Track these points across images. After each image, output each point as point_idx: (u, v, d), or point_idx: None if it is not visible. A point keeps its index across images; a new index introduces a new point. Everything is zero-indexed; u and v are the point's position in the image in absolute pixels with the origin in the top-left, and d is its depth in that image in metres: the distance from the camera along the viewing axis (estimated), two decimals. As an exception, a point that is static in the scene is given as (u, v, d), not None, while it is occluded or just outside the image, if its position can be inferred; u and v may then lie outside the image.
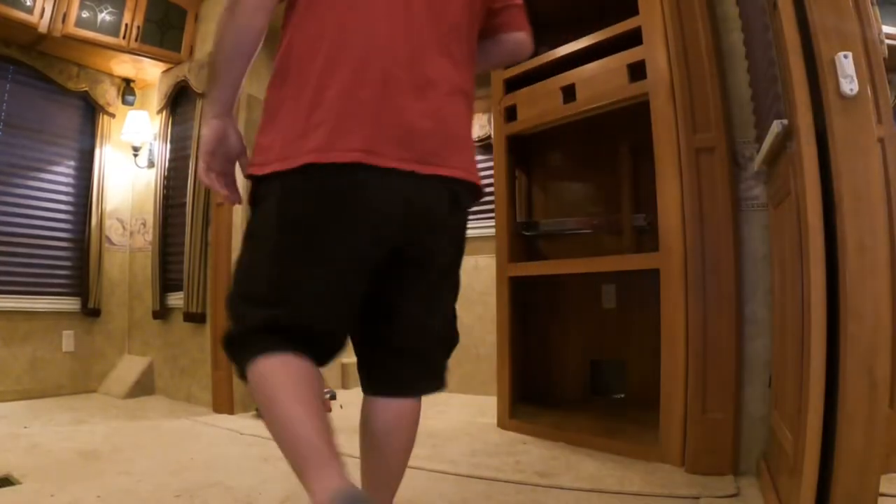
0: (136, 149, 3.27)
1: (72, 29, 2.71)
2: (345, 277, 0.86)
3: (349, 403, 2.71)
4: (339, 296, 0.87)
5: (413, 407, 0.99)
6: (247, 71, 0.96)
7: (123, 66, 3.11)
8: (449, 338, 1.02)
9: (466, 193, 0.94)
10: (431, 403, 2.66)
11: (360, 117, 0.82)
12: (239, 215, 2.65)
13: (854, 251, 1.00)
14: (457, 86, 0.93)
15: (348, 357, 2.75)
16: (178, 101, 3.07)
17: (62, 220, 3.02)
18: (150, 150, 3.24)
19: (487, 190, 2.78)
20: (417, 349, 0.96)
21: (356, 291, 0.89)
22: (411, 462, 1.75)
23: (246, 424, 2.31)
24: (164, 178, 3.04)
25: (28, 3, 2.58)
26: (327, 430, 0.85)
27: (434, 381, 1.01)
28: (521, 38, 1.09)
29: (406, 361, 0.97)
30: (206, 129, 0.97)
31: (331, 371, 3.10)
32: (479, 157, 3.01)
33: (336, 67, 0.84)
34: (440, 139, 0.88)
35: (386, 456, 1.00)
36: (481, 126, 2.85)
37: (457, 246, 0.98)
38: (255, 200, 0.93)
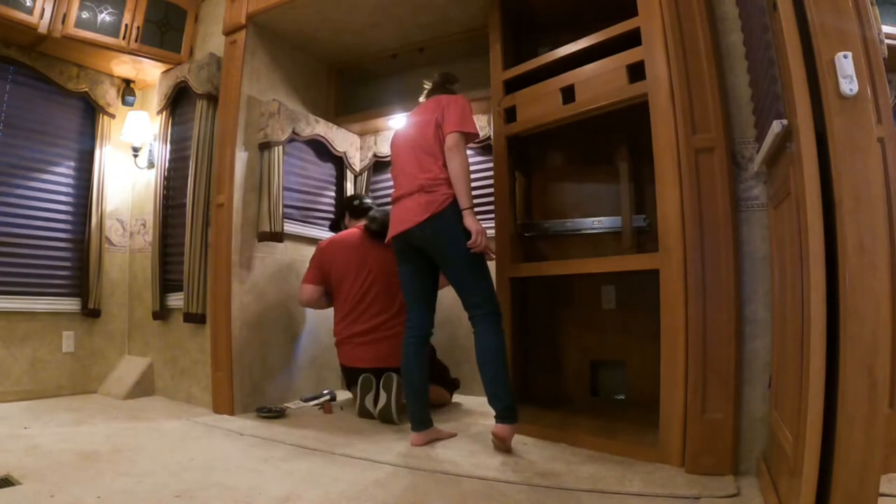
0: (136, 149, 3.27)
1: (72, 30, 2.71)
2: None
3: (347, 406, 2.71)
4: None
5: None
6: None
7: (123, 66, 3.11)
8: None
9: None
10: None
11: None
12: (238, 217, 2.65)
13: (854, 251, 1.00)
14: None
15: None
16: (178, 101, 3.07)
17: (62, 220, 3.02)
18: (150, 151, 3.24)
19: (486, 191, 2.79)
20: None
21: None
22: (412, 462, 1.75)
23: (246, 425, 2.31)
24: (164, 178, 3.04)
25: (28, 4, 2.58)
26: None
27: None
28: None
29: None
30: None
31: (332, 372, 3.10)
32: (478, 159, 3.02)
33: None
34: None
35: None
36: (481, 127, 2.85)
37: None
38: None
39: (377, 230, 2.59)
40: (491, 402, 1.91)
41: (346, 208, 2.90)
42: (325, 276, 2.69)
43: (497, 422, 1.89)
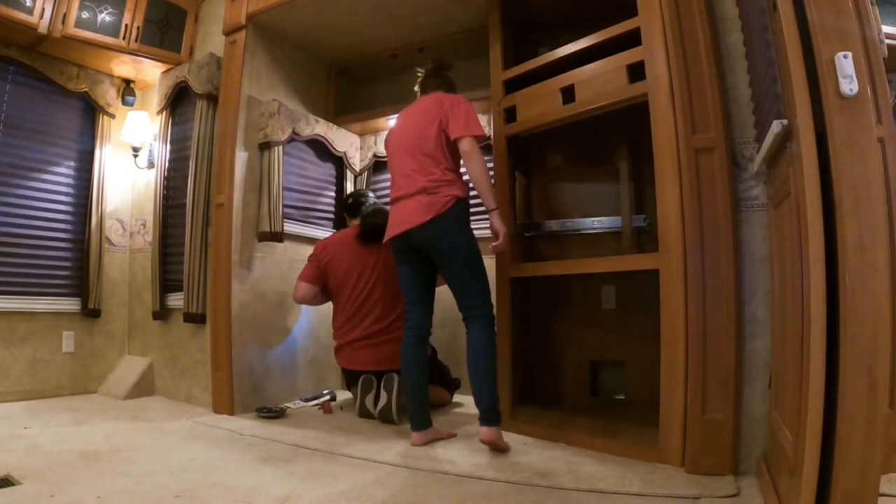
0: (136, 149, 3.27)
1: (72, 30, 2.71)
2: None
3: (347, 406, 2.71)
4: None
5: None
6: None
7: (123, 66, 3.11)
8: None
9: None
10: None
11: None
12: (238, 217, 2.65)
13: (854, 251, 1.00)
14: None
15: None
16: (178, 101, 3.07)
17: (62, 220, 3.02)
18: (150, 151, 3.24)
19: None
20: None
21: None
22: (411, 462, 1.75)
23: (246, 425, 2.31)
24: (164, 178, 3.04)
25: (28, 4, 2.58)
26: None
27: None
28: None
29: None
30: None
31: (332, 372, 3.10)
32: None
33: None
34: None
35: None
36: (482, 127, 2.85)
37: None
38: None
39: (368, 233, 2.58)
40: (476, 403, 1.91)
41: (343, 209, 2.92)
42: (323, 276, 2.66)
43: (481, 425, 1.87)
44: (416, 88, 2.23)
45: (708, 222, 1.66)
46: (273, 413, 2.46)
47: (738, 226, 1.67)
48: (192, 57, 3.06)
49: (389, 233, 2.08)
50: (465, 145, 1.96)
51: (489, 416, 1.87)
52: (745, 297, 1.66)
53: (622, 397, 2.44)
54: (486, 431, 1.85)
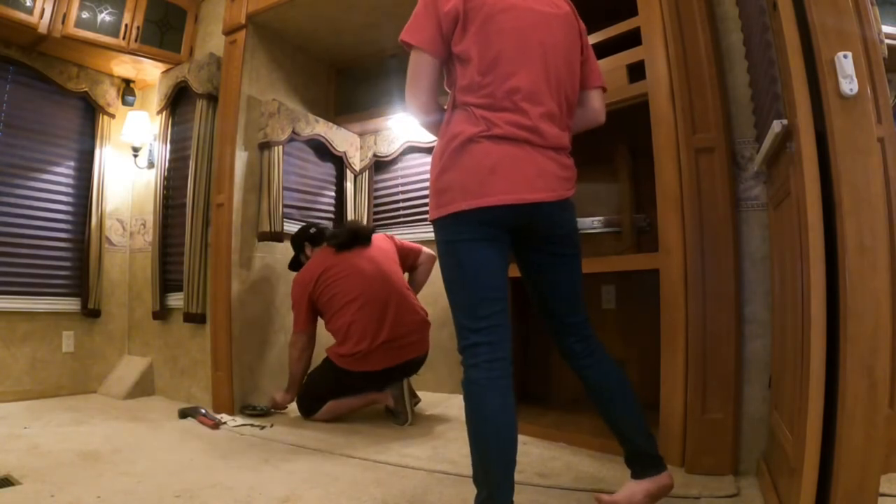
0: (135, 149, 3.27)
1: (72, 29, 2.71)
2: None
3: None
4: None
5: None
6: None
7: (123, 66, 3.11)
8: None
9: None
10: (432, 404, 2.67)
11: None
12: (238, 217, 2.65)
13: (854, 251, 1.00)
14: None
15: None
16: (178, 101, 3.07)
17: (62, 220, 3.02)
18: (150, 151, 3.24)
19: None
20: None
21: None
22: (411, 462, 1.75)
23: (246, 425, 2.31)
24: (164, 178, 3.04)
25: (28, 4, 2.58)
26: None
27: None
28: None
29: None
30: None
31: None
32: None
33: None
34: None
35: None
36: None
37: None
38: None
39: (349, 239, 2.46)
40: (640, 442, 1.31)
41: (305, 239, 2.65)
42: (315, 302, 2.46)
43: (661, 471, 1.30)
44: None
45: (708, 222, 1.66)
46: (258, 411, 2.46)
47: (738, 226, 1.67)
48: (191, 57, 3.06)
49: (494, 192, 1.15)
50: (601, 102, 1.34)
51: (658, 454, 1.31)
52: (745, 297, 1.66)
53: (622, 397, 2.44)
54: (669, 476, 1.30)
